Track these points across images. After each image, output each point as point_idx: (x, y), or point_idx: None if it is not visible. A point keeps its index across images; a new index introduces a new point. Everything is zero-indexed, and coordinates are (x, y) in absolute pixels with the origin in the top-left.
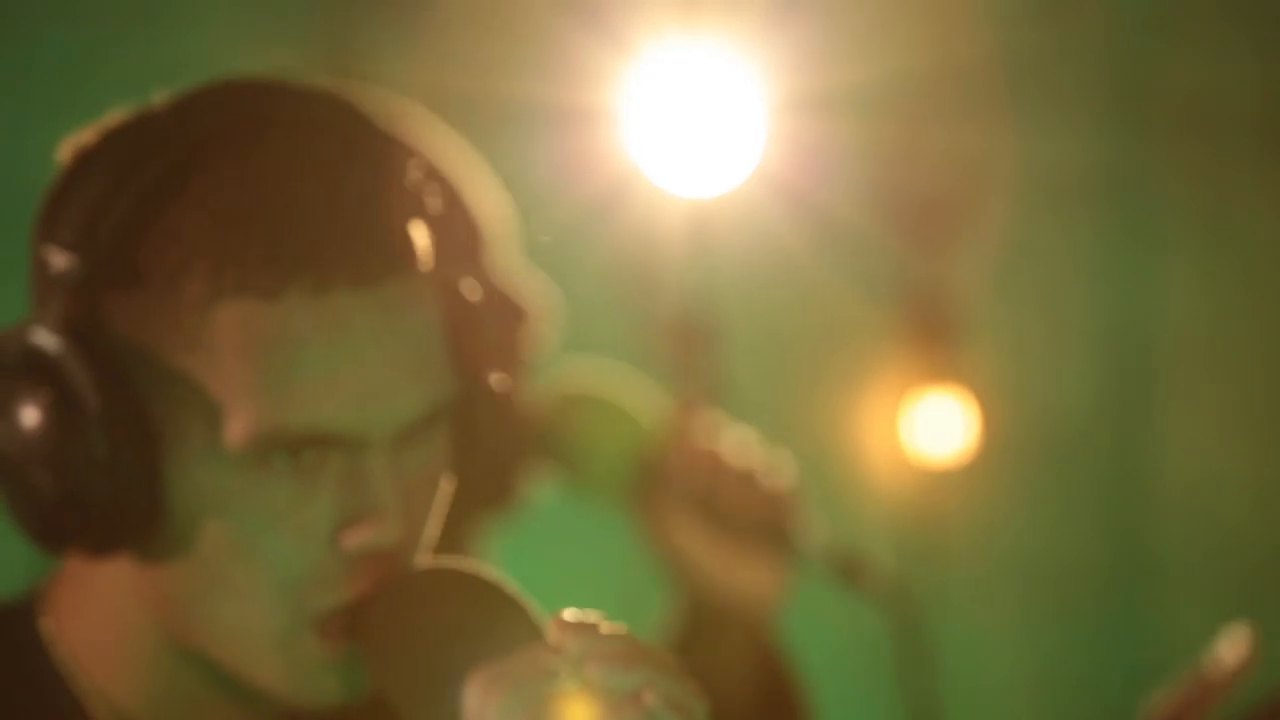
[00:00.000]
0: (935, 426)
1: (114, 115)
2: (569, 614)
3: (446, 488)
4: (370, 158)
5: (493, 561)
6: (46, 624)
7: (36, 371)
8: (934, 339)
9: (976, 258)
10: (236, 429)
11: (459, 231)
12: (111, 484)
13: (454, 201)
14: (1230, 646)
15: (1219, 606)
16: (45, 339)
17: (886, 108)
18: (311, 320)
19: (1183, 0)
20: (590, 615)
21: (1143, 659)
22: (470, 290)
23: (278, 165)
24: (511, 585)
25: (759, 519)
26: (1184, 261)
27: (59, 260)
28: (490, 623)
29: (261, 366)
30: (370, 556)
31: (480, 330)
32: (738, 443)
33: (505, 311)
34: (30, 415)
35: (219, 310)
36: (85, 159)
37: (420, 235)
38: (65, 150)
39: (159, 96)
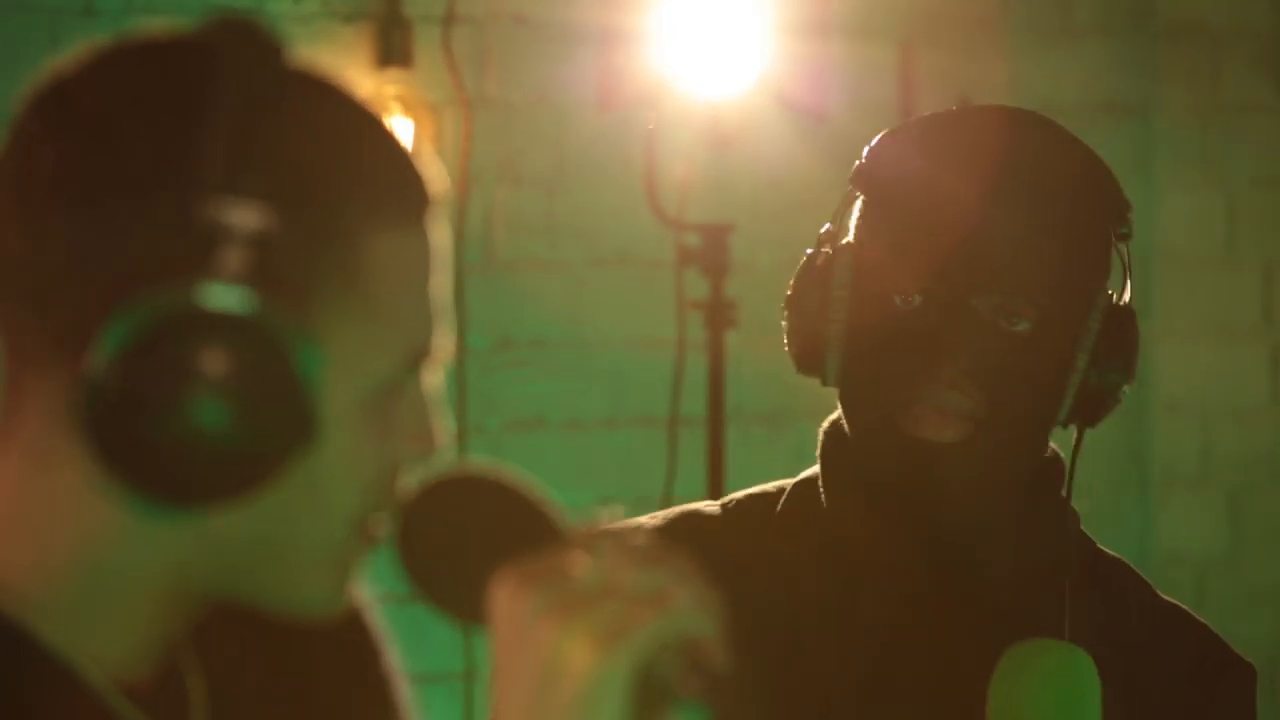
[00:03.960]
0: None
1: (147, 37)
2: (596, 516)
3: None
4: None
5: None
6: None
7: (227, 327)
8: None
9: None
10: (387, 354)
11: None
12: (278, 437)
13: None
14: None
15: (1205, 504)
16: (232, 294)
17: (881, 30)
18: (429, 248)
19: None
20: (617, 518)
21: (1139, 546)
22: None
23: (349, 104)
24: (538, 488)
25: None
26: (1180, 182)
27: (235, 208)
28: (518, 524)
29: (409, 294)
30: (416, 465)
31: None
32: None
33: None
34: (216, 367)
35: (376, 243)
36: (193, 87)
37: None
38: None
39: (170, 26)
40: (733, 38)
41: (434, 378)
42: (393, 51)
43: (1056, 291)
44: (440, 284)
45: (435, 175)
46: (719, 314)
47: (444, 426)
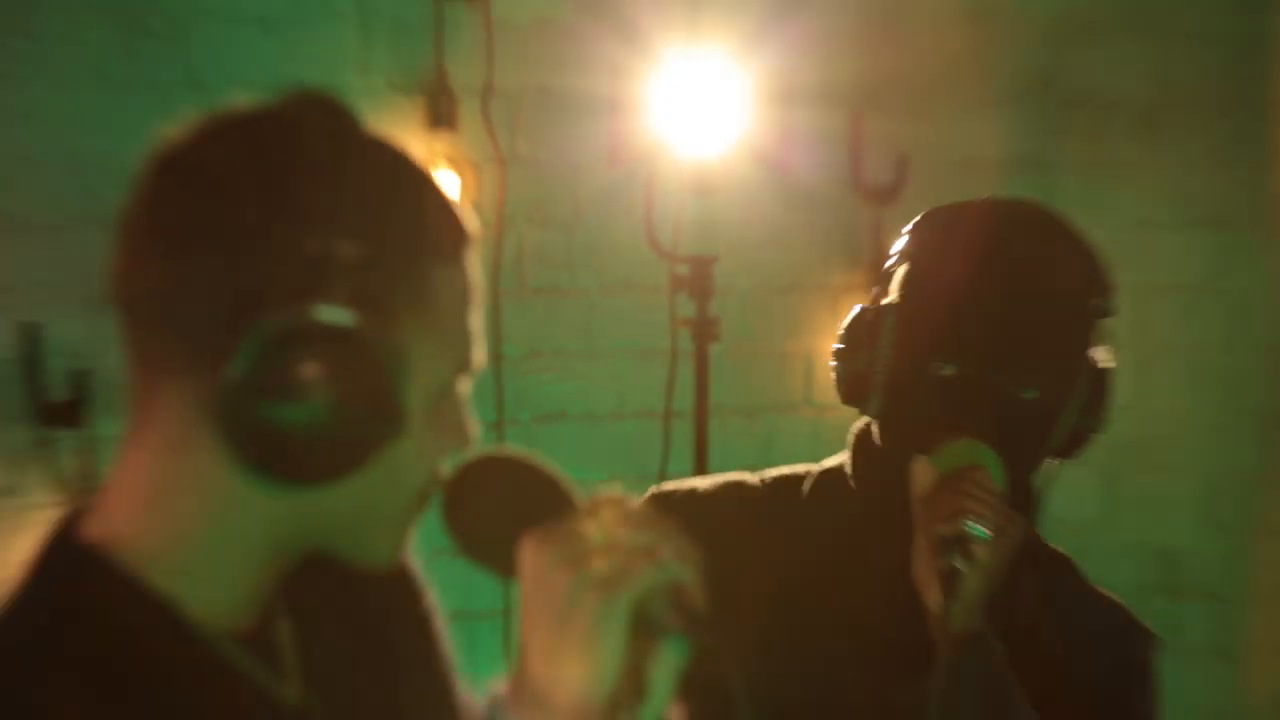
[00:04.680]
0: None
1: (244, 112)
2: (602, 490)
3: None
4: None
5: None
6: (95, 540)
7: (338, 341)
8: (873, 270)
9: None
10: (444, 364)
11: None
12: (375, 426)
13: None
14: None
15: (1099, 470)
16: (341, 314)
17: (842, 101)
18: (471, 280)
19: (1081, 12)
20: (617, 492)
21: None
22: None
23: (408, 161)
24: (557, 467)
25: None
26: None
27: (335, 246)
28: (540, 495)
29: (458, 315)
30: (455, 453)
31: None
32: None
33: None
34: (330, 374)
35: (436, 273)
36: (293, 150)
37: None
38: (247, 137)
39: (252, 102)
40: (716, 107)
41: (468, 386)
42: (441, 117)
43: (1057, 365)
44: (477, 311)
45: (472, 221)
46: (704, 329)
47: (475, 424)
